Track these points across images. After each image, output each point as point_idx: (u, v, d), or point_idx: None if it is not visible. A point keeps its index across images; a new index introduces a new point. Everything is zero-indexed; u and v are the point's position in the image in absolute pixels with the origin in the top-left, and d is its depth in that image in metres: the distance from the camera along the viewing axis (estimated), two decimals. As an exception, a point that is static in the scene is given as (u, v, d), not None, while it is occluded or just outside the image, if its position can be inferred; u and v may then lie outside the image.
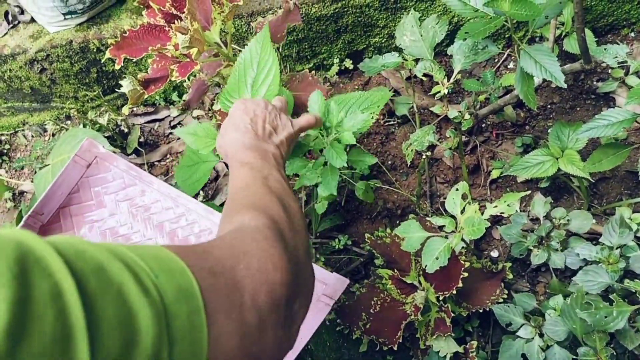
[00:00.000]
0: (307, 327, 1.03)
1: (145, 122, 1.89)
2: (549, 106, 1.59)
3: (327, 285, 1.06)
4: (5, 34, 1.76)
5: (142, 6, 1.24)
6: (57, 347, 0.28)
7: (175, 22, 1.19)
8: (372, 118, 1.02)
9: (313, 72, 1.38)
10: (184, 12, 1.18)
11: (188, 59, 1.19)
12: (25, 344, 0.27)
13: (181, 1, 1.19)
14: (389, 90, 1.66)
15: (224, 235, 0.51)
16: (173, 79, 1.17)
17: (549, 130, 1.55)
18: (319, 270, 1.08)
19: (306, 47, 1.67)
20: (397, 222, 1.55)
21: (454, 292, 1.15)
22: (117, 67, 1.15)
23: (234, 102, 0.91)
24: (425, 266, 1.09)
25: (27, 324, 0.27)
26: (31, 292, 0.29)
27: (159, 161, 1.84)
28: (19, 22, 1.76)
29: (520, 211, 1.39)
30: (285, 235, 0.53)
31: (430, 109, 1.56)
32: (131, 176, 1.22)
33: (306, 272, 0.54)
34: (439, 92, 1.17)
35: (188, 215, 1.19)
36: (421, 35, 1.24)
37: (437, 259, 1.08)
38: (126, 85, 1.22)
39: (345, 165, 0.97)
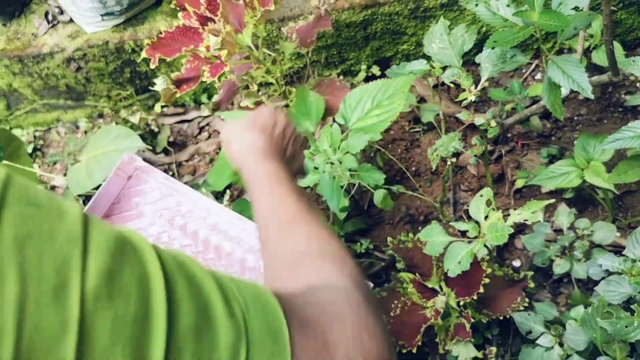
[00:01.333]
0: None
1: (175, 123, 1.94)
2: (575, 118, 1.60)
3: None
4: (45, 33, 1.82)
5: (178, 8, 1.28)
6: (137, 326, 0.29)
7: (209, 24, 1.23)
8: (394, 114, 1.02)
9: (341, 77, 1.41)
10: (217, 15, 1.22)
11: (219, 60, 1.23)
12: (110, 309, 0.28)
13: (215, 4, 1.23)
14: (415, 98, 1.68)
15: (314, 290, 0.46)
16: (204, 79, 1.20)
17: (575, 142, 1.55)
18: None
19: (334, 53, 1.70)
20: (420, 228, 1.56)
21: (475, 297, 1.16)
22: (152, 66, 1.19)
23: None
24: (447, 270, 1.10)
25: (114, 294, 0.29)
26: (121, 269, 0.30)
27: (187, 161, 1.88)
28: (58, 22, 1.83)
29: (544, 221, 1.40)
30: (371, 301, 0.47)
31: (457, 115, 1.58)
32: (168, 187, 1.30)
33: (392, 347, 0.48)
34: (466, 99, 1.18)
35: (221, 224, 1.27)
36: (450, 43, 1.25)
37: (459, 263, 1.09)
38: (160, 84, 1.27)
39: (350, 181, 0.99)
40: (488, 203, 1.11)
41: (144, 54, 1.21)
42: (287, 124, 0.79)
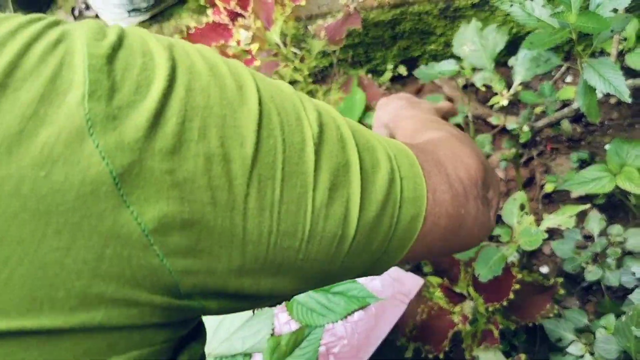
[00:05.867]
0: (384, 321, 1.13)
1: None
2: (606, 122, 1.56)
3: (403, 284, 1.14)
4: (71, 28, 1.83)
5: (208, 5, 1.27)
6: (340, 176, 0.37)
7: (239, 20, 1.22)
8: None
9: (369, 75, 1.39)
10: (247, 11, 1.21)
11: (249, 56, 1.22)
12: (326, 146, 0.37)
13: (246, 0, 1.22)
14: (443, 99, 1.66)
15: (418, 143, 0.57)
16: (234, 75, 1.19)
17: (606, 146, 1.52)
18: (395, 269, 1.14)
19: (361, 52, 1.68)
20: (445, 231, 1.54)
21: (504, 303, 1.13)
22: (181, 62, 1.19)
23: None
24: (478, 275, 1.08)
25: (325, 140, 0.37)
26: (327, 121, 0.39)
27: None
28: (84, 18, 1.83)
29: (574, 227, 1.37)
30: (466, 141, 0.60)
31: (488, 119, 1.55)
32: None
33: (492, 171, 0.60)
34: (498, 102, 1.16)
35: None
36: (482, 46, 1.23)
37: (491, 268, 1.06)
38: (188, 81, 1.26)
39: None
40: (521, 207, 1.09)
41: (173, 50, 1.21)
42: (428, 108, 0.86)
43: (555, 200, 1.50)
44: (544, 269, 1.44)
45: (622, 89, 1.12)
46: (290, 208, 0.33)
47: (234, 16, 1.24)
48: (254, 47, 1.13)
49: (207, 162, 0.30)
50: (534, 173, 1.53)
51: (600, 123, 1.57)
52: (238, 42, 1.15)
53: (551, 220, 1.06)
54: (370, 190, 0.38)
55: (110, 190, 0.27)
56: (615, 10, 1.17)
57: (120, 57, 0.30)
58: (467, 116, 1.52)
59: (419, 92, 1.74)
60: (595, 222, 1.31)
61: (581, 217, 1.46)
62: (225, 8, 1.23)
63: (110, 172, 0.27)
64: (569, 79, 1.64)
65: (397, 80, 1.76)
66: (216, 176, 0.30)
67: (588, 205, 1.13)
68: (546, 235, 1.02)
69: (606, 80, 1.14)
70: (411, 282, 1.11)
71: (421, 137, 0.61)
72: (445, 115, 0.90)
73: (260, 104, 0.34)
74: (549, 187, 1.48)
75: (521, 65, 1.19)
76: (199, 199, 0.30)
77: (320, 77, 1.82)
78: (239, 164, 0.31)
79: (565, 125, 1.55)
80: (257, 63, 1.15)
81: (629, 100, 1.10)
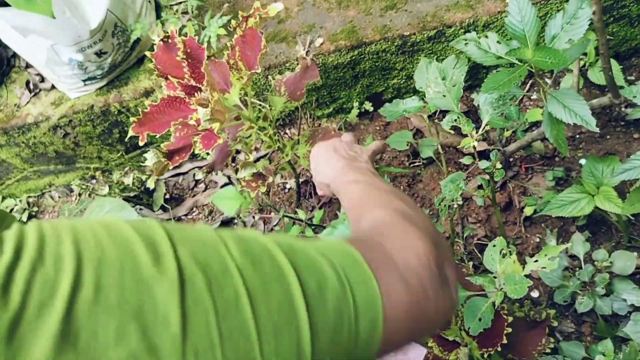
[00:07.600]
0: None
1: (170, 177, 1.90)
2: (577, 136, 1.56)
3: (406, 354, 1.10)
4: (28, 102, 1.78)
5: (161, 78, 1.24)
6: (283, 313, 0.35)
7: (196, 93, 1.19)
8: None
9: (334, 126, 1.37)
10: (203, 84, 1.18)
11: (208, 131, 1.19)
12: (262, 307, 0.34)
13: (200, 72, 1.19)
14: (410, 131, 1.64)
15: (364, 229, 0.56)
16: (197, 151, 1.16)
17: (581, 161, 1.51)
18: None
19: (325, 93, 1.66)
20: (431, 265, 1.52)
21: (499, 348, 1.12)
22: (141, 143, 1.15)
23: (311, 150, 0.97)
24: (468, 328, 1.07)
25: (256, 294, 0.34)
26: (260, 268, 0.36)
27: (186, 215, 1.84)
28: (40, 90, 1.79)
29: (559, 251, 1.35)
30: (411, 217, 0.57)
31: (459, 147, 1.54)
32: None
33: (442, 241, 0.58)
34: (469, 144, 1.14)
35: None
36: (445, 87, 1.21)
37: (480, 320, 1.05)
38: (150, 159, 1.22)
39: None
40: (502, 254, 1.07)
41: (131, 132, 1.17)
42: (337, 143, 0.92)
43: (536, 221, 1.49)
44: (535, 293, 1.43)
45: (588, 118, 1.10)
46: None
47: (189, 89, 1.21)
48: (216, 126, 1.10)
49: None
50: (512, 196, 1.52)
51: (571, 137, 1.56)
52: (197, 121, 1.11)
53: (534, 264, 1.04)
54: (319, 314, 0.37)
55: None
56: (570, 41, 1.16)
57: (17, 278, 0.28)
58: (437, 148, 1.51)
59: (387, 125, 1.72)
60: (579, 245, 1.31)
61: (564, 235, 1.45)
62: (179, 82, 1.20)
63: None
64: (534, 96, 1.64)
65: (365, 116, 1.74)
66: None
67: (569, 245, 1.12)
68: (531, 283, 1.00)
69: (571, 110, 1.12)
70: (414, 353, 1.10)
71: (367, 214, 0.61)
72: (378, 151, 0.95)
73: (179, 269, 0.32)
74: (528, 211, 1.47)
75: (487, 104, 1.17)
76: None
77: (288, 120, 1.80)
78: (168, 347, 0.29)
79: (537, 145, 1.54)
80: (220, 141, 1.11)
81: (597, 130, 1.08)
